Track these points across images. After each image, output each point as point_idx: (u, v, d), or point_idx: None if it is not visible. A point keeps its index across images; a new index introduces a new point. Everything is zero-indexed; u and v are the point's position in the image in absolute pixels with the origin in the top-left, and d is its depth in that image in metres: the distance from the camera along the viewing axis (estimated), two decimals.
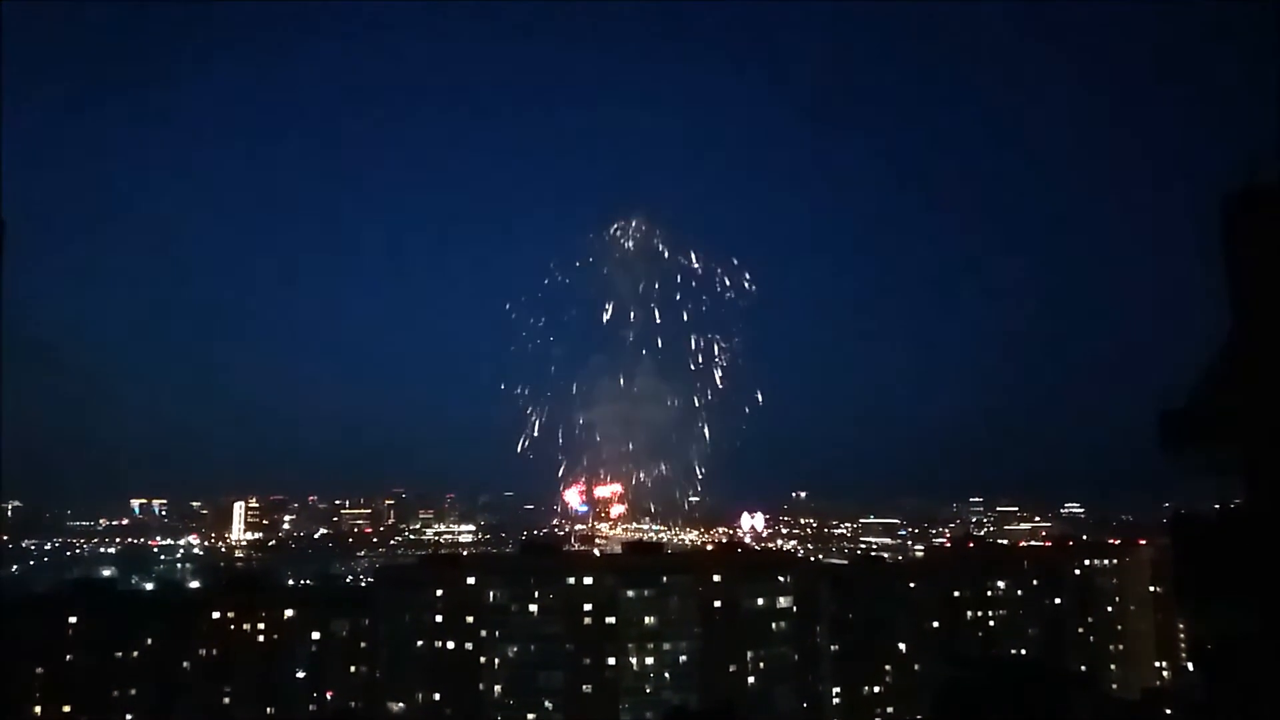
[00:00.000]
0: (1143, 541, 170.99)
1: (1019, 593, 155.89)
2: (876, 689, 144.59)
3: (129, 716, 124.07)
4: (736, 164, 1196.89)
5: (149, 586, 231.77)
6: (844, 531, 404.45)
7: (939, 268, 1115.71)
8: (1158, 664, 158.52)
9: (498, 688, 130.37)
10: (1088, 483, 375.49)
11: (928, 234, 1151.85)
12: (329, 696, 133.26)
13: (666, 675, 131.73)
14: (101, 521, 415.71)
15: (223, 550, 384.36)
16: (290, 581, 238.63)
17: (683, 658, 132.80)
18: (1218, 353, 24.65)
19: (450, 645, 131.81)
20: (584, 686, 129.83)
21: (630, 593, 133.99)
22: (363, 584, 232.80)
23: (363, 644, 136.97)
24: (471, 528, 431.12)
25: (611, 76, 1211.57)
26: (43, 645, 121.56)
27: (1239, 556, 23.85)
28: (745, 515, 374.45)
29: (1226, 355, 24.25)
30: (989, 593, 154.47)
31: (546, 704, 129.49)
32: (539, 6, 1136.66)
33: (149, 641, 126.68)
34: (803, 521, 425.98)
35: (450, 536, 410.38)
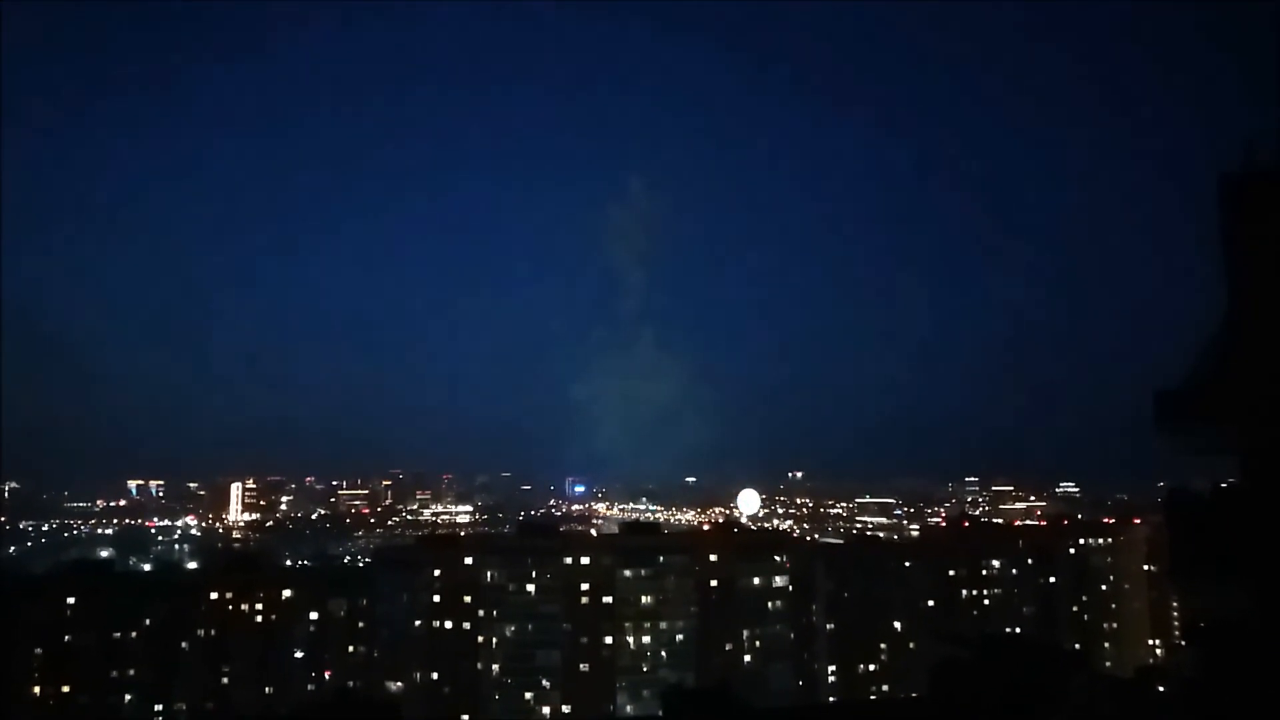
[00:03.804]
0: (1137, 521, 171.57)
1: (1014, 572, 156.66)
2: (872, 667, 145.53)
3: (128, 697, 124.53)
4: (745, 153, 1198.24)
5: (147, 567, 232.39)
6: (840, 511, 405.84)
7: (936, 251, 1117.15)
8: (1152, 642, 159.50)
9: (495, 667, 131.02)
10: (1083, 462, 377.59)
11: (928, 219, 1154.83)
12: (327, 676, 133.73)
13: (663, 654, 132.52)
14: (99, 503, 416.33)
15: (220, 531, 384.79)
16: (288, 562, 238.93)
17: (679, 636, 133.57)
18: (1213, 332, 24.65)
19: (448, 625, 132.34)
20: (581, 665, 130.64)
21: (627, 572, 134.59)
22: (360, 564, 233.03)
23: (361, 624, 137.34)
24: (469, 508, 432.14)
25: (620, 61, 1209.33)
26: (41, 626, 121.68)
27: (1233, 535, 23.94)
28: (741, 495, 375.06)
29: (1222, 335, 24.25)
30: (984, 572, 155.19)
31: (544, 683, 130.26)
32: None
33: (147, 622, 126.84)
34: (799, 501, 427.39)
35: (447, 517, 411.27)
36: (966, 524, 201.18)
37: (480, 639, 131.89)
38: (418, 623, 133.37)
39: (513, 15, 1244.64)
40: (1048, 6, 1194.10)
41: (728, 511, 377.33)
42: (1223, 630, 25.15)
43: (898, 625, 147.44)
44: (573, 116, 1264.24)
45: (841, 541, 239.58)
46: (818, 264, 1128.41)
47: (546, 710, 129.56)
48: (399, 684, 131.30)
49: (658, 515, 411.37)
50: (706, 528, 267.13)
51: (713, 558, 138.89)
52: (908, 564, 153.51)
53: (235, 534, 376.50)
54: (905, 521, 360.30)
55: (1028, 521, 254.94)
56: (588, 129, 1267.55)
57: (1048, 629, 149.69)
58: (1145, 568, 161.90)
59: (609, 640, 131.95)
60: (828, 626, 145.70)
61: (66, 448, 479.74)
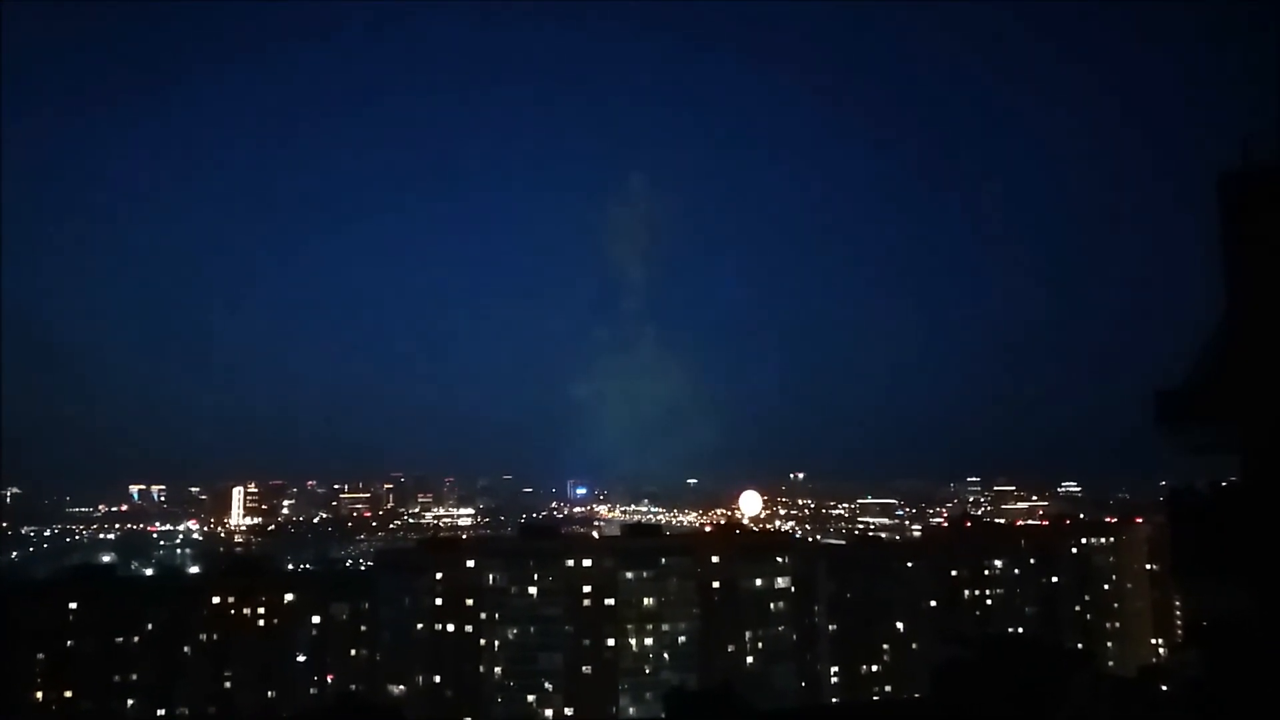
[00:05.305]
0: (1139, 520, 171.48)
1: (1016, 571, 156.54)
2: (874, 668, 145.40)
3: (130, 701, 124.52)
4: (745, 153, 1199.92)
5: (148, 572, 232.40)
6: (842, 512, 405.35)
7: (939, 251, 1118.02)
8: (1154, 641, 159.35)
9: (498, 670, 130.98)
10: (1084, 462, 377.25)
11: (928, 219, 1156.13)
12: (329, 680, 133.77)
13: (665, 656, 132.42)
14: (100, 507, 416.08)
15: (222, 535, 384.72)
16: (290, 566, 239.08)
17: (682, 638, 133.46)
18: (1214, 331, 24.63)
19: (450, 628, 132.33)
20: (584, 668, 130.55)
21: (629, 574, 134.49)
22: (362, 568, 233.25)
23: (363, 627, 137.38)
24: (470, 511, 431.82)
25: (620, 63, 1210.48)
26: (43, 631, 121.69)
27: (1234, 534, 23.91)
28: (743, 496, 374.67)
29: (1222, 333, 24.23)
30: (986, 572, 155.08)
31: (546, 685, 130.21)
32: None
33: (149, 627, 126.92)
34: (801, 502, 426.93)
35: (449, 520, 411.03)
36: (968, 524, 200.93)
37: (482, 642, 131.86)
38: (420, 626, 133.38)
39: (513, 17, 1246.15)
40: (1047, 6, 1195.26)
41: (729, 513, 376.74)
42: (1224, 629, 25.13)
43: (900, 626, 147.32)
44: (573, 117, 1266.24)
45: (844, 542, 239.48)
46: (818, 264, 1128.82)
47: (549, 713, 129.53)
48: (401, 687, 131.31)
49: (659, 517, 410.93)
50: (708, 529, 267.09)
51: (715, 559, 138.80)
52: (910, 564, 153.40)
53: (237, 538, 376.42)
54: (907, 522, 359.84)
55: (1030, 521, 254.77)
56: (588, 130, 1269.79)
57: (1050, 629, 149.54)
58: (1148, 567, 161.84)
59: (611, 642, 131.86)
60: (830, 627, 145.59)
61: (67, 453, 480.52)
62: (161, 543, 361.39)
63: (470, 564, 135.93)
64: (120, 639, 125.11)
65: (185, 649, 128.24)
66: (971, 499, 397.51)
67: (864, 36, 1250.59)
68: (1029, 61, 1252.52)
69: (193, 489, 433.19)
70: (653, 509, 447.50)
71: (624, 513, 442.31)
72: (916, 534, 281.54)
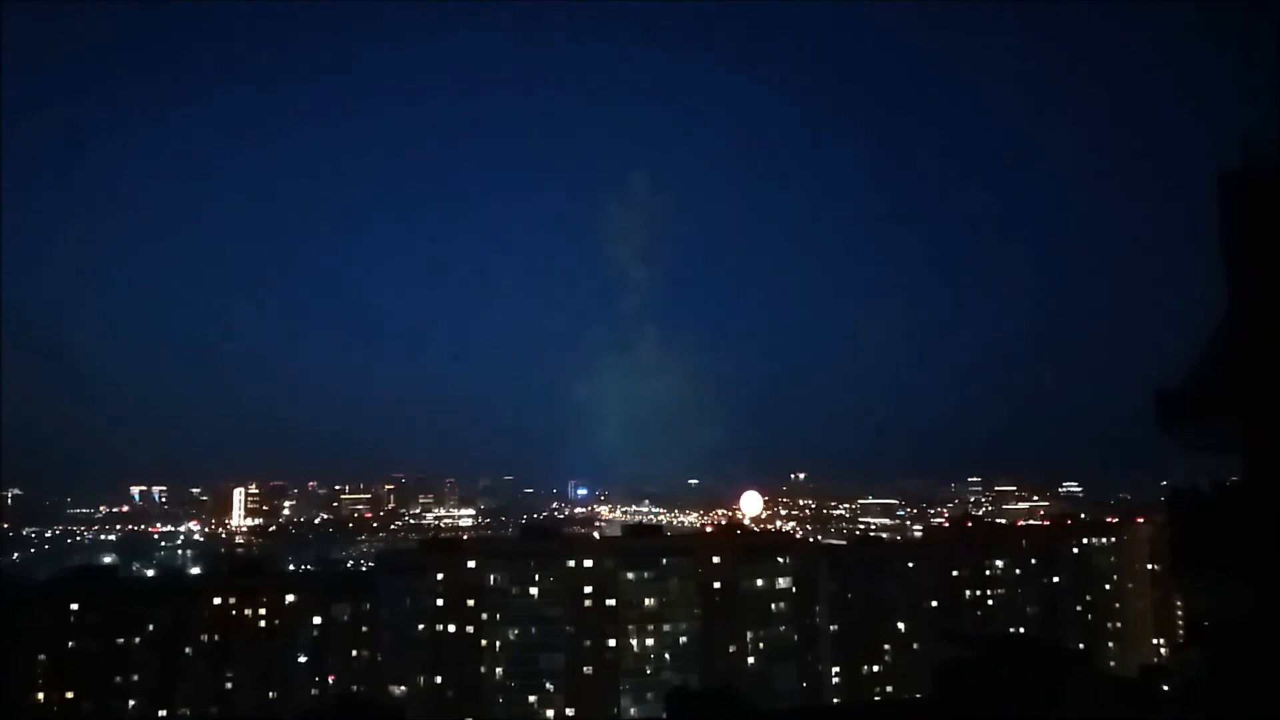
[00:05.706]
0: (1140, 520, 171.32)
1: (1017, 572, 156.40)
2: (875, 668, 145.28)
3: (131, 702, 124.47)
4: (748, 154, 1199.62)
5: (150, 573, 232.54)
6: (843, 512, 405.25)
7: (939, 251, 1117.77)
8: (1155, 641, 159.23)
9: (499, 670, 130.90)
10: (1085, 461, 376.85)
11: (929, 219, 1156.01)
12: (331, 681, 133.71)
13: (667, 656, 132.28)
14: (101, 509, 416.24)
15: (223, 536, 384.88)
16: (291, 567, 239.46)
17: (683, 639, 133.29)
18: (1214, 330, 24.65)
19: (451, 629, 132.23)
20: (585, 668, 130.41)
21: (630, 575, 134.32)
22: (363, 569, 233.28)
23: (364, 628, 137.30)
24: (471, 512, 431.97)
25: (618, 65, 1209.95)
26: (44, 632, 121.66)
27: (1235, 534, 23.92)
28: (744, 496, 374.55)
29: (1222, 333, 24.25)
30: (987, 572, 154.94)
31: (548, 686, 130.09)
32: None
33: (150, 628, 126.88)
34: (802, 502, 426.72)
35: (450, 521, 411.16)
36: (969, 524, 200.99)
37: (484, 642, 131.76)
38: (421, 627, 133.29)
39: (512, 18, 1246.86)
40: (1045, 6, 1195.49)
41: (730, 513, 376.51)
42: (1225, 628, 25.14)
43: (901, 626, 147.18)
44: (573, 120, 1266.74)
45: (844, 543, 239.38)
46: (819, 265, 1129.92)
47: (550, 713, 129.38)
48: (403, 688, 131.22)
49: (660, 517, 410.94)
50: (709, 530, 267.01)
51: (716, 560, 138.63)
52: (911, 565, 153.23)
53: (238, 539, 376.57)
54: (908, 522, 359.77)
55: (1031, 521, 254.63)
56: (587, 133, 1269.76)
57: (1051, 629, 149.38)
58: (1149, 566, 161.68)
59: (613, 643, 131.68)
60: (831, 628, 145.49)
61: (68, 454, 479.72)
62: (162, 544, 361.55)
63: (471, 565, 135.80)
64: (121, 640, 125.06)
65: (186, 650, 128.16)
66: (972, 499, 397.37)
67: (862, 38, 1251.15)
68: (1028, 62, 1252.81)
69: (194, 490, 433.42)
70: (653, 509, 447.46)
71: (625, 513, 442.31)
72: (917, 534, 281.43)
